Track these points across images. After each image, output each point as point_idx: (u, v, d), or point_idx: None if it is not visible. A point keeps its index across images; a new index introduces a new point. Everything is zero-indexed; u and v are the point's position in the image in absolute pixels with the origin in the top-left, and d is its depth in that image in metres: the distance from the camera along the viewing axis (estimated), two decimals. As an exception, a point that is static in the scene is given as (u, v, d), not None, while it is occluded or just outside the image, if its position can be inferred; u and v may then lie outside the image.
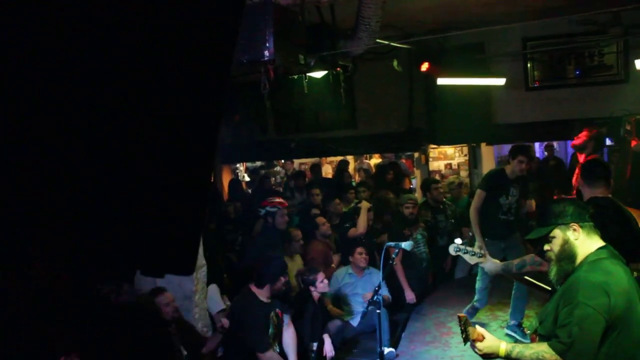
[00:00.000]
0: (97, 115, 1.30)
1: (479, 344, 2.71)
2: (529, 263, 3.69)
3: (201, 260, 5.03)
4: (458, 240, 3.94)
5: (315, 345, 5.12)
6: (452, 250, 3.79)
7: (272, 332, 4.49)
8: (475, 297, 6.21)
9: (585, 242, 2.71)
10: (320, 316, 5.42)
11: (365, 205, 7.03)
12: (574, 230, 2.70)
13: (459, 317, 2.78)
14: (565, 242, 2.72)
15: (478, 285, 6.13)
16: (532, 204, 5.85)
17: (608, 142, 9.72)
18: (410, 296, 6.73)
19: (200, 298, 4.94)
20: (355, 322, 6.15)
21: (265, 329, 4.45)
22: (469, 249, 3.69)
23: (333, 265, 6.63)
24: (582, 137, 6.54)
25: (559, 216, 2.75)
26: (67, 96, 1.28)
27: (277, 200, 6.25)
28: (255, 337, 4.39)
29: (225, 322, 4.48)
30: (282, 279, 4.65)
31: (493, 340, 2.73)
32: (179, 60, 1.29)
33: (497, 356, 2.67)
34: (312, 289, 5.31)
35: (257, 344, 4.38)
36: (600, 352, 2.50)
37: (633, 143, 6.42)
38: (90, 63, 1.26)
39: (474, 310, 6.31)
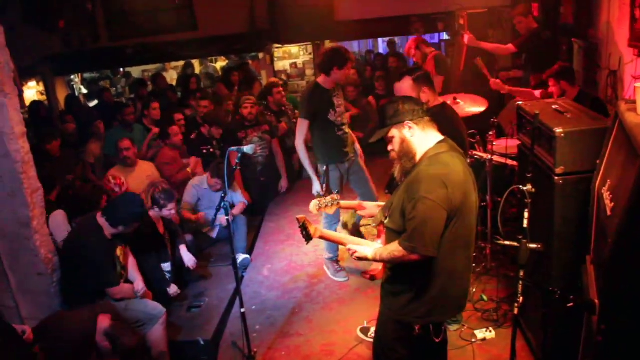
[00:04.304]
0: None
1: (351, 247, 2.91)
2: None
3: (35, 183, 4.63)
4: (315, 190, 3.68)
5: (168, 265, 5.00)
6: (313, 209, 3.32)
7: (120, 269, 4.28)
8: None
9: (423, 138, 2.81)
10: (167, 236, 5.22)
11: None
12: (409, 128, 2.79)
13: (297, 219, 2.83)
14: (403, 141, 2.81)
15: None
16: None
17: (445, 36, 10.21)
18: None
19: (39, 224, 4.58)
20: (214, 234, 6.10)
21: (113, 264, 4.22)
22: (326, 200, 3.31)
23: (188, 169, 6.49)
24: (407, 48, 6.86)
25: (393, 116, 2.83)
26: None
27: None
28: (104, 274, 4.14)
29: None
30: (136, 225, 4.37)
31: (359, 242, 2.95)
32: None
33: (366, 258, 2.86)
34: (156, 210, 5.08)
35: (108, 281, 4.15)
36: (442, 240, 2.68)
37: (465, 37, 6.73)
38: None
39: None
